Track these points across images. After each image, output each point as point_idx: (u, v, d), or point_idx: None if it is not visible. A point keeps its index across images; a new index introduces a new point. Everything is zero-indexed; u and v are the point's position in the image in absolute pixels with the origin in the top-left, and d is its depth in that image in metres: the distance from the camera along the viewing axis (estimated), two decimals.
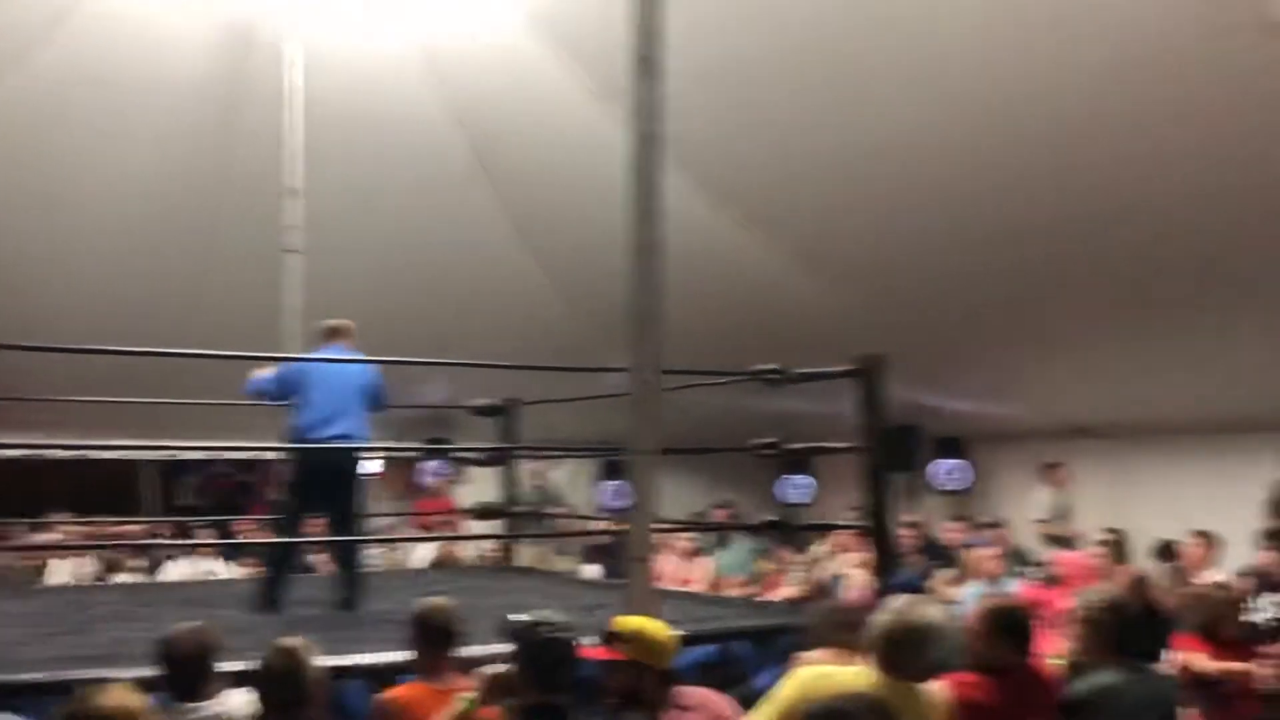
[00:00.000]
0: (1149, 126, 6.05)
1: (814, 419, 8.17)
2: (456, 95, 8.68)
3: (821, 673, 3.41)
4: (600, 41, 6.31)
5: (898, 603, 3.46)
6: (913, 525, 10.17)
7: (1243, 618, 5.94)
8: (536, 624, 3.40)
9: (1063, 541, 9.18)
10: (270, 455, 9.45)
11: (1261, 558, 7.85)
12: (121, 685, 2.93)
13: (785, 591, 8.49)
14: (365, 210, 9.17)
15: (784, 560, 9.30)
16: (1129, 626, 3.95)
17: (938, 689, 3.56)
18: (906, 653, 3.32)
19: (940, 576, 8.34)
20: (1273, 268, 7.12)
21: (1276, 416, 9.36)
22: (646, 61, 4.36)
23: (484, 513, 7.06)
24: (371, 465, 11.93)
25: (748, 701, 3.67)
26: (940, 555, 9.28)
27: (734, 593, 8.95)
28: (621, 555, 5.20)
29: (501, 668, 3.49)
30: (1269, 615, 7.14)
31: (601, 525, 10.17)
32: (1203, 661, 5.01)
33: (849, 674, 3.38)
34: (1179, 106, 5.84)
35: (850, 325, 8.47)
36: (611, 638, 3.52)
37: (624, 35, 4.36)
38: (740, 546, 10.25)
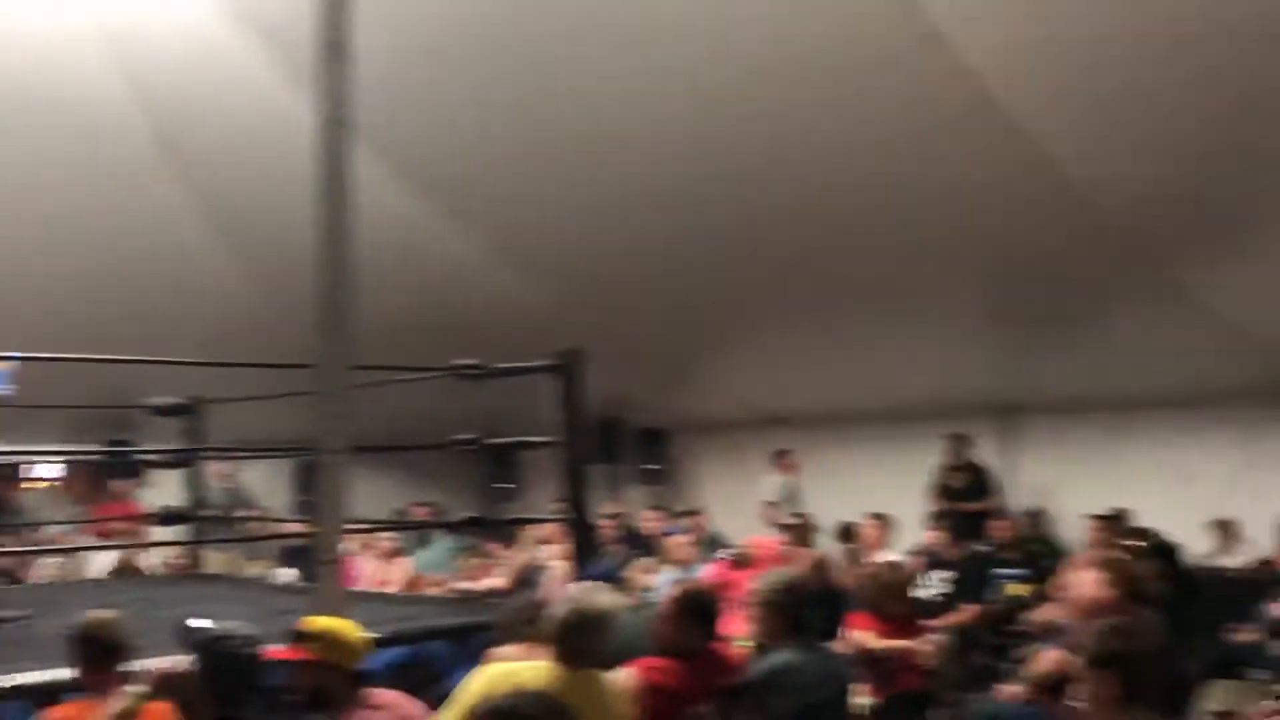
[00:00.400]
0: (827, 131, 6.38)
1: (520, 414, 8.18)
2: (138, 76, 8.16)
3: (504, 671, 3.40)
4: (288, 24, 6.08)
5: (573, 592, 3.51)
6: (614, 516, 10.36)
7: (913, 594, 6.39)
8: (218, 637, 3.23)
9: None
10: None
11: (929, 537, 8.48)
12: None
13: (487, 586, 8.44)
14: (39, 196, 8.48)
15: (488, 556, 9.26)
16: (806, 607, 4.13)
17: (624, 676, 3.63)
18: (583, 641, 3.36)
19: (638, 565, 8.54)
20: (937, 272, 7.69)
21: (942, 406, 10.15)
22: (335, 46, 4.23)
23: (167, 517, 6.64)
24: (49, 470, 11.08)
25: (443, 702, 3.62)
26: (640, 544, 9.49)
27: (434, 591, 8.83)
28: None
29: (174, 666, 3.30)
30: (936, 590, 7.72)
31: (294, 528, 9.81)
32: (871, 640, 5.33)
33: (528, 670, 3.38)
34: (853, 113, 6.19)
35: (551, 319, 8.53)
36: (299, 638, 3.42)
37: (312, 18, 4.20)
38: (441, 545, 10.13)
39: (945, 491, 9.78)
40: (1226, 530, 8.90)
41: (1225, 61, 5.25)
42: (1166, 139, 5.93)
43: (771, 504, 10.45)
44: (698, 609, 3.86)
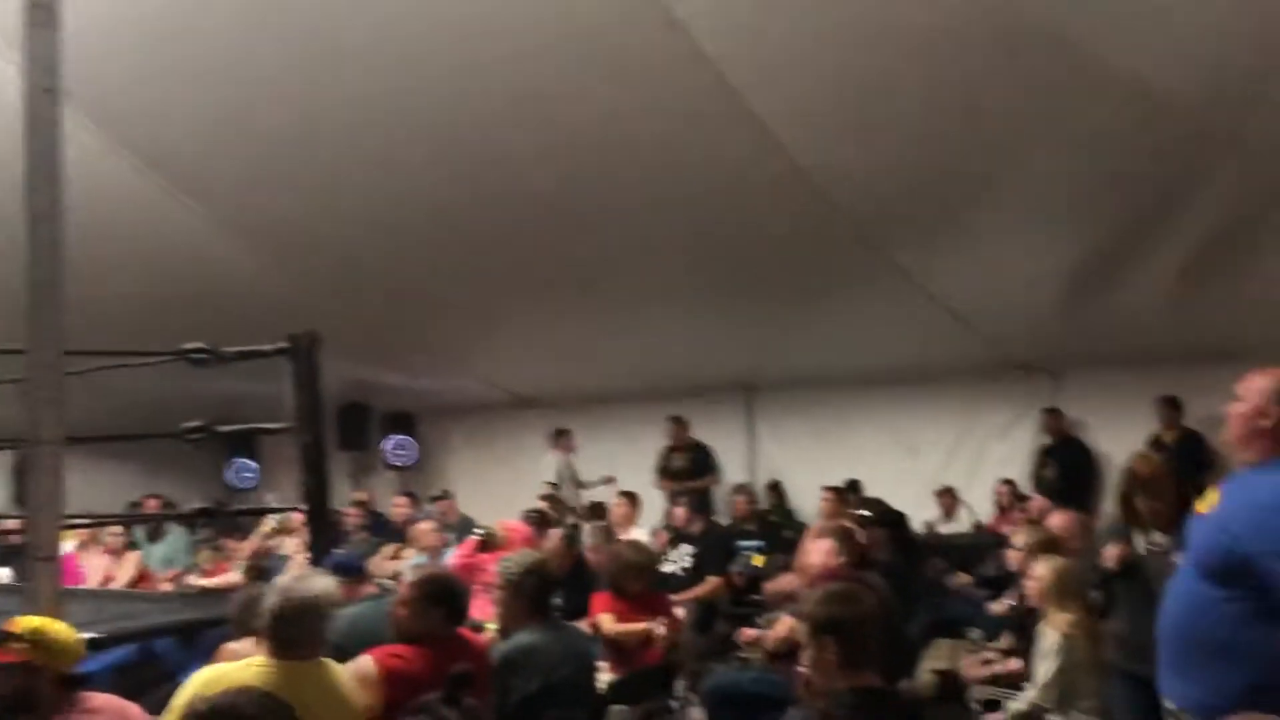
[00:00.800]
0: (567, 116, 6.38)
1: (263, 400, 7.89)
2: None
3: (218, 671, 3.27)
4: None
5: (283, 581, 3.41)
6: (360, 503, 10.19)
7: (658, 570, 6.53)
8: None
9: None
10: None
11: (675, 513, 8.69)
12: None
13: (225, 580, 8.13)
14: None
15: (226, 548, 8.92)
16: (549, 589, 4.16)
17: (362, 663, 3.56)
18: (295, 631, 3.27)
19: (384, 551, 8.40)
20: (678, 255, 7.85)
21: (689, 386, 10.44)
22: (42, 9, 3.94)
23: None
24: None
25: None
26: (387, 531, 9.35)
27: (169, 587, 8.44)
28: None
29: None
30: (681, 565, 7.92)
31: (10, 525, 9.15)
32: (606, 623, 5.41)
33: (243, 668, 3.26)
34: (592, 98, 6.21)
35: (292, 303, 8.22)
36: (5, 638, 3.20)
37: None
38: (176, 537, 9.69)
39: (666, 472, 10.06)
40: (948, 499, 9.49)
41: (947, 59, 5.54)
42: (892, 130, 6.21)
43: (551, 484, 10.56)
44: (438, 594, 3.83)
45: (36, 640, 3.22)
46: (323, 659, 3.41)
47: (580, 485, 10.68)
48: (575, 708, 4.02)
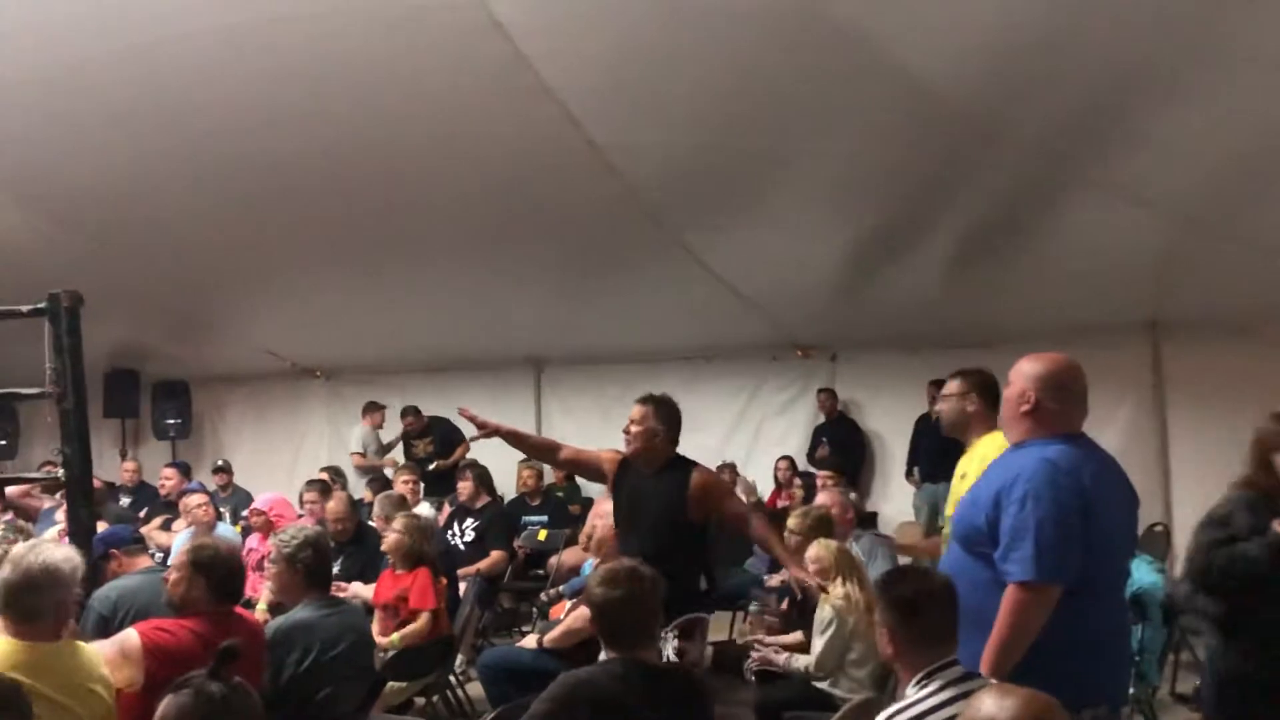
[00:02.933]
0: (361, 83, 6.20)
1: (14, 362, 7.40)
2: None
3: None
4: None
5: (17, 551, 3.22)
6: (130, 472, 9.77)
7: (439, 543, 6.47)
8: None
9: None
10: None
11: (460, 488, 8.59)
12: None
13: None
14: None
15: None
16: (324, 562, 4.06)
17: (124, 637, 3.41)
18: (31, 604, 3.09)
19: (153, 522, 8.07)
20: (472, 227, 7.76)
21: (484, 360, 10.41)
22: None
23: None
24: None
25: None
26: (155, 501, 8.98)
27: None
28: None
29: None
30: (463, 540, 7.86)
31: None
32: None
33: None
34: (387, 67, 6.06)
35: (60, 263, 7.73)
36: None
37: None
38: None
39: (413, 459, 10.04)
40: (730, 473, 9.73)
41: (738, 40, 5.62)
42: (681, 109, 6.28)
43: (359, 454, 10.54)
44: (209, 568, 3.67)
45: None
46: (72, 640, 3.24)
47: (384, 456, 10.66)
48: (351, 683, 3.94)
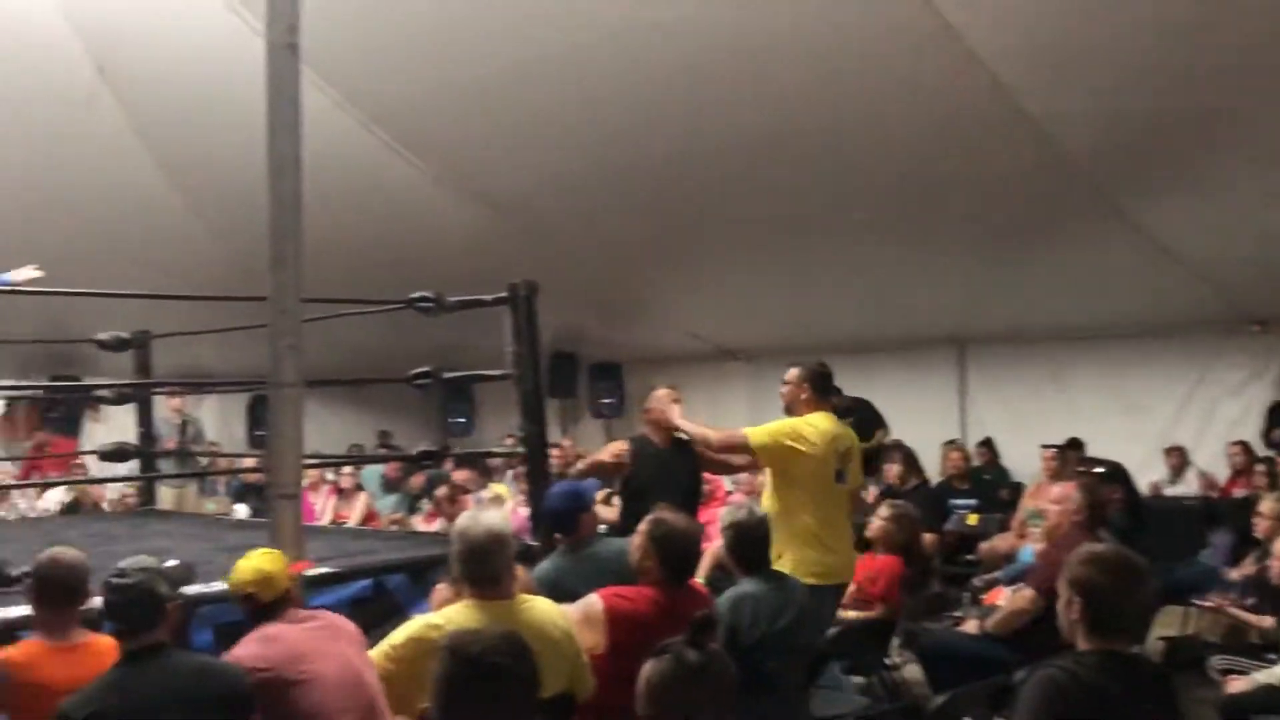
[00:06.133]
0: (779, 60, 6.27)
1: (467, 348, 8.12)
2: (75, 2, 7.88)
3: (428, 622, 3.35)
4: None
5: (459, 523, 3.47)
6: (567, 449, 10.39)
7: None
8: (122, 571, 3.18)
9: None
10: None
11: (887, 470, 8.50)
12: None
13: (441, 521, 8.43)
14: None
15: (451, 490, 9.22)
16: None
17: (589, 602, 3.61)
18: (483, 567, 3.32)
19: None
20: (890, 205, 7.65)
21: (900, 340, 10.24)
22: None
23: (117, 454, 6.50)
24: None
25: None
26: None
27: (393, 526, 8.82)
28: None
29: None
30: None
31: (249, 463, 9.72)
32: None
33: (452, 613, 3.32)
34: (807, 43, 6.09)
35: (504, 253, 8.41)
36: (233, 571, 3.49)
37: None
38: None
39: None
40: (1176, 458, 9.03)
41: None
42: (1121, 74, 5.90)
43: None
44: (665, 538, 3.79)
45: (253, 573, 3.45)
46: (524, 596, 3.47)
47: None
48: (795, 657, 3.99)
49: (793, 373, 5.05)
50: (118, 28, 7.97)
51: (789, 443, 4.70)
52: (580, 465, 5.80)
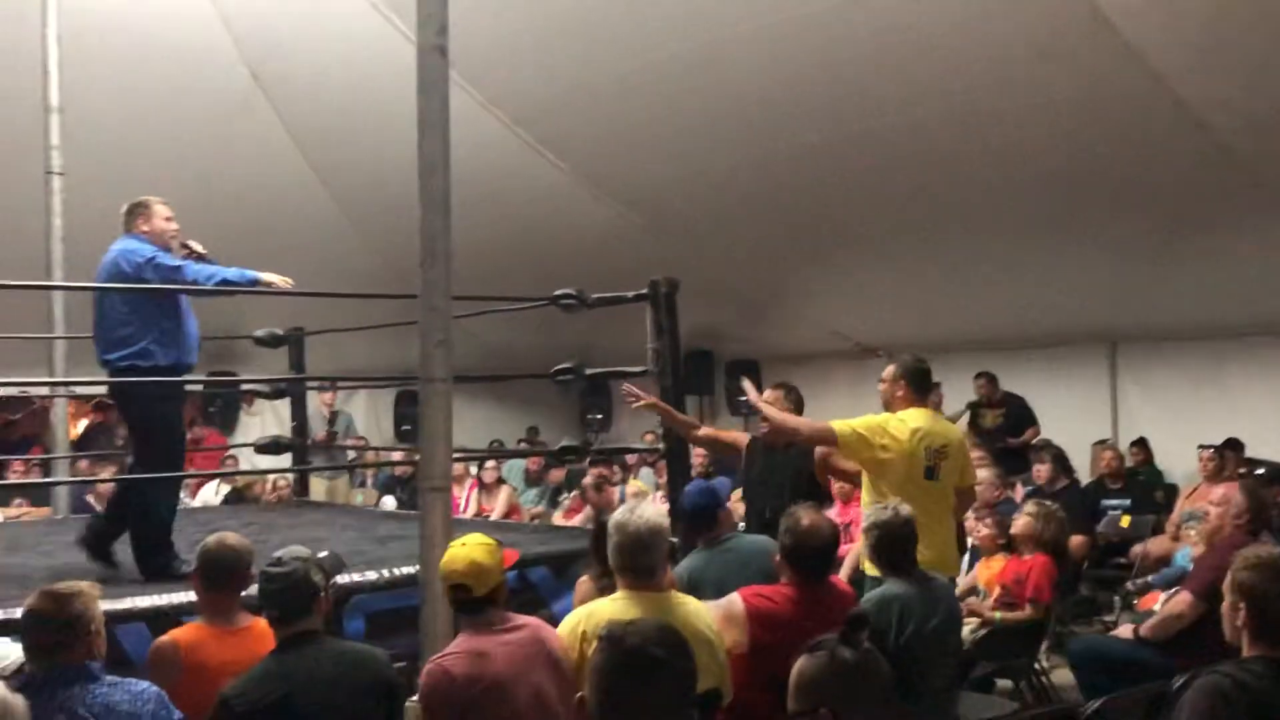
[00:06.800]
0: (927, 54, 6.17)
1: (603, 345, 8.19)
2: (228, 7, 8.19)
3: (587, 611, 3.38)
4: None
5: (617, 516, 3.46)
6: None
7: None
8: (278, 560, 3.28)
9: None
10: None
11: (1037, 471, 8.26)
12: None
13: (582, 515, 8.52)
14: (131, 129, 8.58)
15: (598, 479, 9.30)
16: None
17: (730, 601, 3.61)
18: (643, 560, 3.34)
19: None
20: (1041, 199, 7.45)
21: (1048, 336, 9.96)
22: None
23: (271, 446, 6.73)
24: None
25: None
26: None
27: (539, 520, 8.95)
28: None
29: None
30: None
31: (398, 456, 9.98)
32: None
33: (607, 604, 3.35)
34: (956, 35, 5.98)
35: (641, 251, 8.46)
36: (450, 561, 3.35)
37: None
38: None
39: (978, 430, 9.59)
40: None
41: None
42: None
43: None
44: (800, 537, 3.77)
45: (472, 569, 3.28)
46: (673, 591, 3.48)
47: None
48: (943, 659, 3.92)
49: (890, 369, 4.98)
50: (271, 33, 8.27)
51: (872, 438, 4.61)
52: (704, 430, 5.87)
